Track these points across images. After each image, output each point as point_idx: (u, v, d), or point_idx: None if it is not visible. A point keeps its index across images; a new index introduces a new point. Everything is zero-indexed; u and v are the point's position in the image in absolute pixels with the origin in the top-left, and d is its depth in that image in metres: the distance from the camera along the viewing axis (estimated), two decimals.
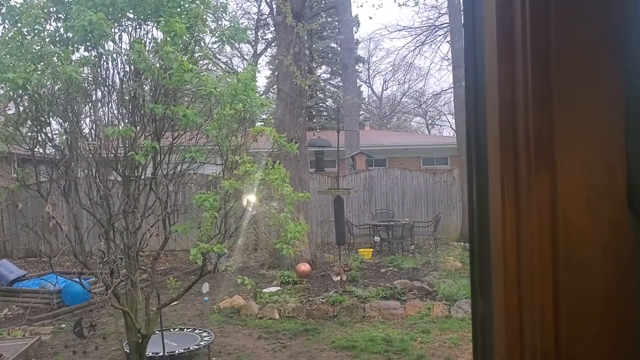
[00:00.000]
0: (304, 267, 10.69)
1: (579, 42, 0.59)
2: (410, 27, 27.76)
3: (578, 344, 0.60)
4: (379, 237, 14.26)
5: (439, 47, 47.02)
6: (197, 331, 7.42)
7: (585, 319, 0.60)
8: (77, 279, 5.32)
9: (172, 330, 7.49)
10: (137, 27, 5.34)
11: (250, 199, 5.40)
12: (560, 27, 0.59)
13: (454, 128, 26.52)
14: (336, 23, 27.11)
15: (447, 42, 24.27)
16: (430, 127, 45.17)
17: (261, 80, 30.93)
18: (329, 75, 34.86)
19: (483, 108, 0.65)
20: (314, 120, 30.49)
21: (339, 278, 9.96)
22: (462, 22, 0.77)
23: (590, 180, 0.60)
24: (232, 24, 5.98)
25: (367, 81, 42.67)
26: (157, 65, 5.05)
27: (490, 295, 0.65)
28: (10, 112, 5.69)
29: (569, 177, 0.60)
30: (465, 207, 15.54)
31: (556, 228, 0.59)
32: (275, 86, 21.38)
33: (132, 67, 5.21)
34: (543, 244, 0.60)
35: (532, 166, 0.60)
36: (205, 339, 7.07)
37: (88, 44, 4.99)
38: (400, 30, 36.22)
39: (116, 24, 5.13)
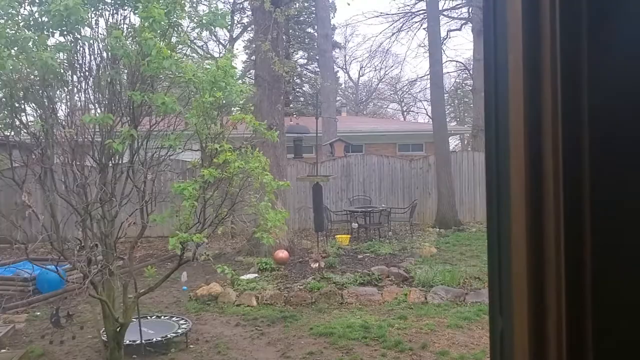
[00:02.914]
0: (282, 253, 10.69)
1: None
2: (387, 14, 27.79)
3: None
4: (356, 224, 14.32)
5: (415, 34, 47.14)
6: (174, 319, 7.39)
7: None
8: (54, 267, 5.23)
9: (149, 317, 7.44)
10: (115, 12, 5.24)
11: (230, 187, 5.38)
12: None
13: (430, 115, 26.70)
14: (313, 8, 26.95)
15: (424, 28, 24.30)
16: (405, 113, 45.38)
17: (238, 65, 30.66)
18: (305, 61, 34.75)
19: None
20: (291, 105, 30.38)
21: (317, 265, 10.00)
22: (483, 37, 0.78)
23: None
24: (210, 9, 5.90)
25: (344, 67, 42.66)
26: (135, 51, 4.97)
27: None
28: None
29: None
30: (440, 193, 15.70)
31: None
32: (252, 71, 21.20)
33: (109, 53, 5.12)
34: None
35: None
36: (183, 326, 7.04)
37: (64, 29, 4.87)
38: (377, 16, 36.29)
39: (93, 9, 5.03)
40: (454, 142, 33.51)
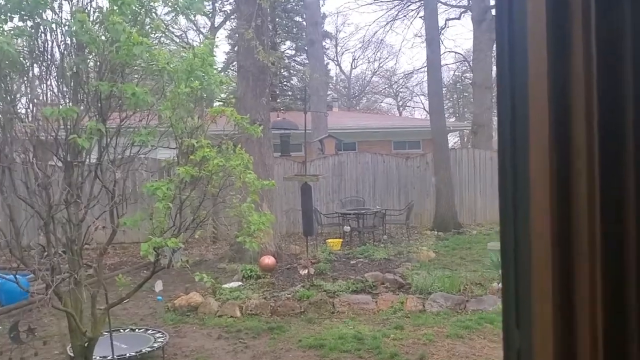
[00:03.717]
0: (268, 260, 10.58)
1: None
2: (381, 1, 27.73)
3: None
4: (348, 227, 14.24)
5: (411, 23, 47.30)
6: (150, 332, 7.26)
7: None
8: (13, 277, 5.07)
9: (122, 330, 7.31)
10: None
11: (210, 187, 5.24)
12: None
13: (427, 110, 26.69)
14: None
15: (420, 17, 24.29)
16: (401, 108, 45.44)
17: (220, 56, 30.52)
18: (293, 52, 34.60)
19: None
20: (278, 100, 30.25)
21: (306, 271, 9.89)
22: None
23: None
24: None
25: (335, 59, 42.64)
26: (103, 37, 4.82)
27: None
28: None
29: None
30: (439, 194, 15.63)
31: None
32: (235, 62, 21.07)
33: (74, 39, 4.95)
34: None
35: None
36: (159, 340, 6.91)
37: (23, 12, 4.72)
38: (370, 4, 36.29)
39: None
40: (453, 139, 33.57)
